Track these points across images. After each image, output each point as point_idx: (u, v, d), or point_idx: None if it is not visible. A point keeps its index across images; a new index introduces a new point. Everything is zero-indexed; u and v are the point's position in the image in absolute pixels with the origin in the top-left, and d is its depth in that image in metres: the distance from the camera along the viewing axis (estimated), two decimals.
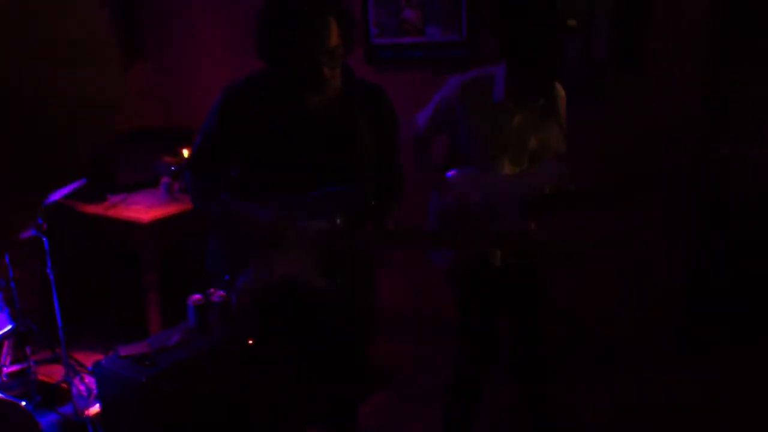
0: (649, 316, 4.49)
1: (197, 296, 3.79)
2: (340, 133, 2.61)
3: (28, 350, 4.06)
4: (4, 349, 4.28)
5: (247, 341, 3.70)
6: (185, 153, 4.77)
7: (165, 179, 4.77)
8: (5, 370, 4.25)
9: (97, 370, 3.63)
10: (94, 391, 3.90)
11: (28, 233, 3.74)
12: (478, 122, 2.99)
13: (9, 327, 3.91)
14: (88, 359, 4.29)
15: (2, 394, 3.57)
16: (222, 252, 2.75)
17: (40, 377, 4.21)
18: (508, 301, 3.19)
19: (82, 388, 4.19)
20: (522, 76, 2.91)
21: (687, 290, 4.45)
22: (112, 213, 4.64)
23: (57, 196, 3.83)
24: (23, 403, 3.44)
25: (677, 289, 4.45)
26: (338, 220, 2.60)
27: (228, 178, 2.72)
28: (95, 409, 3.91)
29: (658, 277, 4.44)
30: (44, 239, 3.86)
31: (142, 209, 4.61)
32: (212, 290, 3.84)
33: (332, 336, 2.92)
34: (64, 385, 4.08)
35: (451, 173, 3.06)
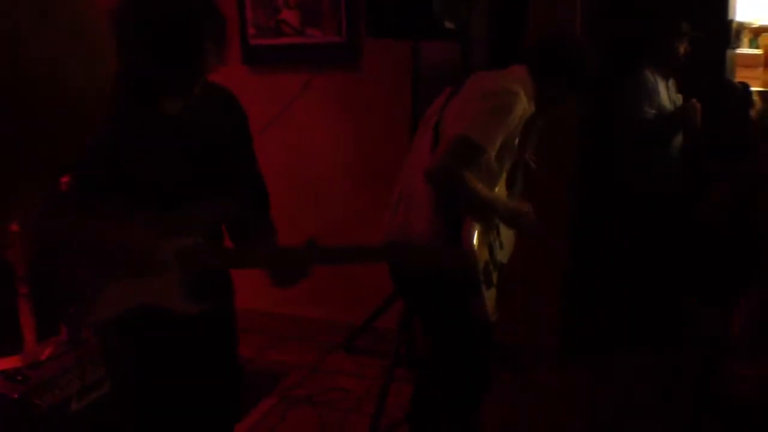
0: (533, 317, 4.58)
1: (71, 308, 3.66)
2: (200, 142, 2.35)
3: None
4: None
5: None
6: None
7: None
8: None
9: None
10: None
11: None
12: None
13: None
14: None
15: None
16: (63, 279, 2.35)
17: None
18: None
19: None
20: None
21: (568, 291, 4.58)
22: None
23: None
24: None
25: (559, 289, 4.56)
26: (201, 239, 2.32)
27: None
28: None
29: (541, 278, 4.53)
30: None
31: None
32: None
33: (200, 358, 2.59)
34: None
35: None
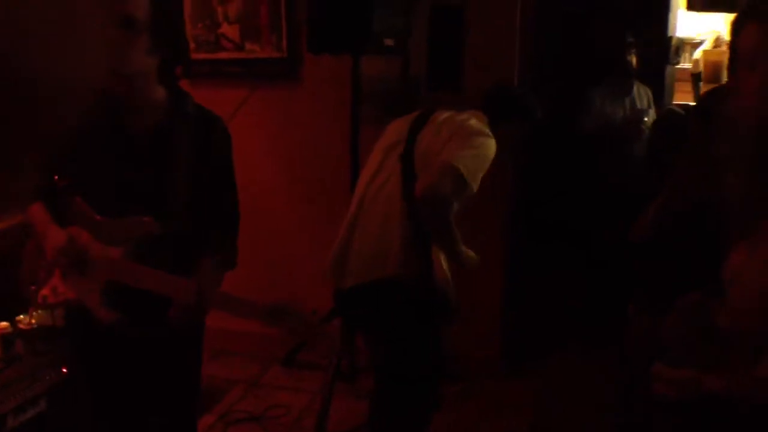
0: (473, 328, 4.60)
1: (3, 324, 3.62)
2: (154, 157, 2.41)
3: None
4: None
5: (61, 370, 3.57)
6: None
7: None
8: None
9: None
10: None
11: None
12: None
13: None
14: None
15: None
16: (29, 262, 2.54)
17: None
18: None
19: None
20: None
21: (506, 299, 4.60)
22: None
23: None
24: None
25: (498, 300, 4.59)
26: (130, 251, 2.34)
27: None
28: None
29: (479, 290, 4.55)
30: None
31: None
32: (21, 317, 3.67)
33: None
34: None
35: None
